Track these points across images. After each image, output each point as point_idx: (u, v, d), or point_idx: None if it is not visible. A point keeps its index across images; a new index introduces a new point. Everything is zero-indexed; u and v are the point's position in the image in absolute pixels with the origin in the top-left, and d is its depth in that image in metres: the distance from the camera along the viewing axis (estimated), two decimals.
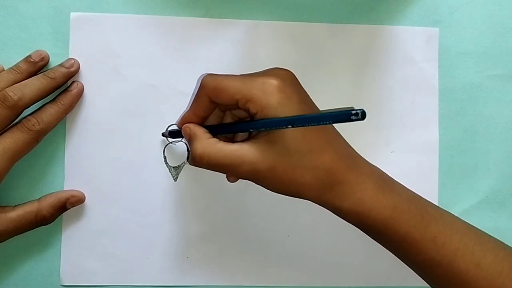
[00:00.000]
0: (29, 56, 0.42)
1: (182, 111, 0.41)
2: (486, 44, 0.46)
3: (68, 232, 0.44)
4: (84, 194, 0.43)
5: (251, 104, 0.35)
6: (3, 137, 0.40)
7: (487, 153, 0.46)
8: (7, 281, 0.44)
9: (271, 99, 0.35)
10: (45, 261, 0.44)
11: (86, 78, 0.44)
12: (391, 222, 0.36)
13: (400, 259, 0.38)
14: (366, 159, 0.39)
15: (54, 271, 0.44)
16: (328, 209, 0.37)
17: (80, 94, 0.43)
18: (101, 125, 0.44)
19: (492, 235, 0.39)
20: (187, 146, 0.41)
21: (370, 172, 0.37)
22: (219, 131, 0.39)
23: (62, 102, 0.42)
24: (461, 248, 0.36)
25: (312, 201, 0.37)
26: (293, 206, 0.45)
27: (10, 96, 0.39)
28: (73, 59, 0.43)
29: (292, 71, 0.38)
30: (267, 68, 0.40)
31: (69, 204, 0.43)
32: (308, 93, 0.38)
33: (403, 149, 0.46)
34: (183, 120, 0.40)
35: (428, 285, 0.39)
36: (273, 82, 0.36)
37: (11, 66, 0.42)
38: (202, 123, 0.39)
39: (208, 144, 0.37)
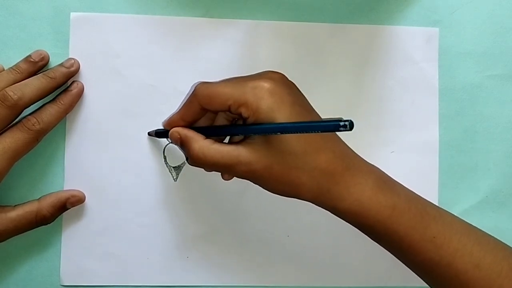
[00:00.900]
0: (29, 56, 0.42)
1: (170, 113, 0.42)
2: (486, 44, 0.46)
3: (68, 232, 0.44)
4: (84, 194, 0.43)
5: (243, 108, 0.36)
6: (3, 136, 0.40)
7: (487, 153, 0.46)
8: (7, 281, 0.44)
9: (262, 103, 0.35)
10: (45, 261, 0.44)
11: (86, 78, 0.44)
12: (390, 222, 0.36)
13: (399, 260, 0.38)
14: (366, 159, 0.39)
15: (54, 271, 0.44)
16: (326, 209, 0.37)
17: (80, 94, 0.43)
18: (101, 125, 0.44)
19: (492, 235, 0.38)
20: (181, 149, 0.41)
21: (369, 171, 0.37)
22: (210, 133, 0.39)
23: (62, 102, 0.42)
24: (460, 249, 0.36)
25: (310, 202, 0.37)
26: (293, 206, 0.45)
27: (10, 96, 0.39)
28: (73, 59, 0.43)
29: (284, 74, 0.38)
30: (267, 68, 0.40)
31: (69, 204, 0.42)
32: (306, 93, 0.38)
33: (403, 149, 0.46)
34: (170, 123, 0.40)
35: (428, 286, 0.39)
36: (264, 85, 0.36)
37: (11, 66, 0.42)
38: (187, 126, 0.39)
39: (205, 145, 0.37)
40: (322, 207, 0.37)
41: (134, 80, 0.44)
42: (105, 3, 0.44)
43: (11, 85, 0.40)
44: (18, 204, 0.42)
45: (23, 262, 0.44)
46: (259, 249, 0.45)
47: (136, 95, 0.44)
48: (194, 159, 0.37)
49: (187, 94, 0.43)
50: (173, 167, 0.44)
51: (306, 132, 0.34)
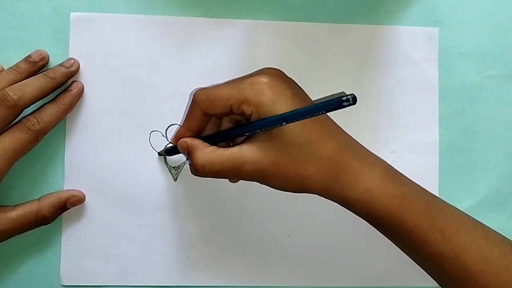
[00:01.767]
0: (29, 56, 0.42)
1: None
2: (486, 44, 0.46)
3: (68, 232, 0.44)
4: (84, 194, 0.43)
5: (244, 106, 0.35)
6: (3, 136, 0.40)
7: (487, 153, 0.46)
8: (7, 281, 0.44)
9: (263, 97, 0.35)
10: (45, 261, 0.44)
11: (86, 78, 0.44)
12: (399, 213, 0.36)
13: (407, 253, 0.38)
14: None
15: (54, 271, 0.44)
16: (335, 201, 0.37)
17: (80, 94, 0.43)
18: (101, 125, 0.44)
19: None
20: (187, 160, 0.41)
21: (376, 161, 0.37)
22: (216, 139, 0.39)
23: (62, 102, 0.42)
24: (468, 241, 0.36)
25: (319, 194, 0.36)
26: (293, 206, 0.45)
27: (10, 96, 0.39)
28: (73, 59, 0.43)
29: (281, 69, 0.38)
30: None
31: (69, 204, 0.43)
32: (304, 89, 0.38)
33: (403, 149, 0.46)
34: (177, 137, 0.40)
35: (429, 285, 0.39)
36: (262, 80, 0.35)
37: (11, 66, 0.42)
38: (195, 136, 0.39)
39: (208, 152, 0.36)
40: (330, 199, 0.37)
41: (134, 80, 0.44)
42: (105, 3, 0.44)
43: (11, 85, 0.40)
44: (18, 204, 0.42)
45: (23, 262, 0.44)
46: (259, 249, 0.45)
47: (136, 95, 0.44)
48: (198, 168, 0.36)
49: (187, 104, 0.43)
50: (173, 167, 0.44)
51: (311, 115, 0.33)
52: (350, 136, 0.38)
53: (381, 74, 0.45)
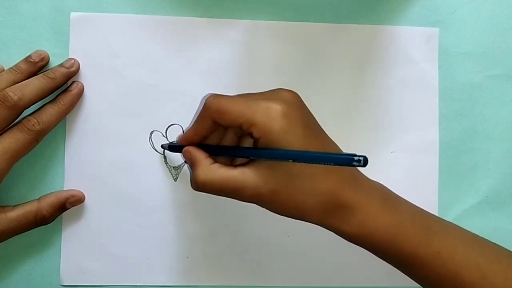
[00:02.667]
0: (29, 56, 0.42)
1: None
2: (486, 44, 0.46)
3: (68, 232, 0.44)
4: (84, 194, 0.43)
5: (254, 129, 0.35)
6: (3, 137, 0.40)
7: (487, 153, 0.46)
8: (7, 281, 0.44)
9: (274, 125, 0.34)
10: (45, 261, 0.44)
11: (86, 78, 0.44)
12: (396, 241, 0.36)
13: (406, 275, 0.38)
14: None
15: (54, 271, 0.44)
16: (331, 231, 0.37)
17: (80, 94, 0.43)
18: (101, 125, 0.44)
19: (492, 235, 0.39)
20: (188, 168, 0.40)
21: (373, 190, 0.37)
22: (219, 153, 0.38)
23: (62, 102, 0.42)
24: (464, 261, 0.36)
25: (315, 224, 0.37)
26: None
27: (10, 96, 0.39)
28: (73, 59, 0.43)
29: (297, 93, 0.37)
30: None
31: (69, 204, 0.43)
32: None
33: (403, 149, 0.46)
34: (185, 138, 0.39)
35: None
36: (277, 107, 0.35)
37: (11, 66, 0.42)
38: (203, 141, 0.39)
39: (210, 171, 0.36)
40: (327, 229, 0.37)
41: (134, 80, 0.44)
42: (105, 3, 0.44)
43: (11, 85, 0.40)
44: (18, 204, 0.42)
45: (23, 262, 0.44)
46: (259, 249, 0.45)
47: (136, 95, 0.44)
48: (198, 184, 0.36)
49: (198, 107, 0.43)
50: (173, 167, 0.44)
51: (318, 163, 0.33)
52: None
53: (381, 74, 0.45)
